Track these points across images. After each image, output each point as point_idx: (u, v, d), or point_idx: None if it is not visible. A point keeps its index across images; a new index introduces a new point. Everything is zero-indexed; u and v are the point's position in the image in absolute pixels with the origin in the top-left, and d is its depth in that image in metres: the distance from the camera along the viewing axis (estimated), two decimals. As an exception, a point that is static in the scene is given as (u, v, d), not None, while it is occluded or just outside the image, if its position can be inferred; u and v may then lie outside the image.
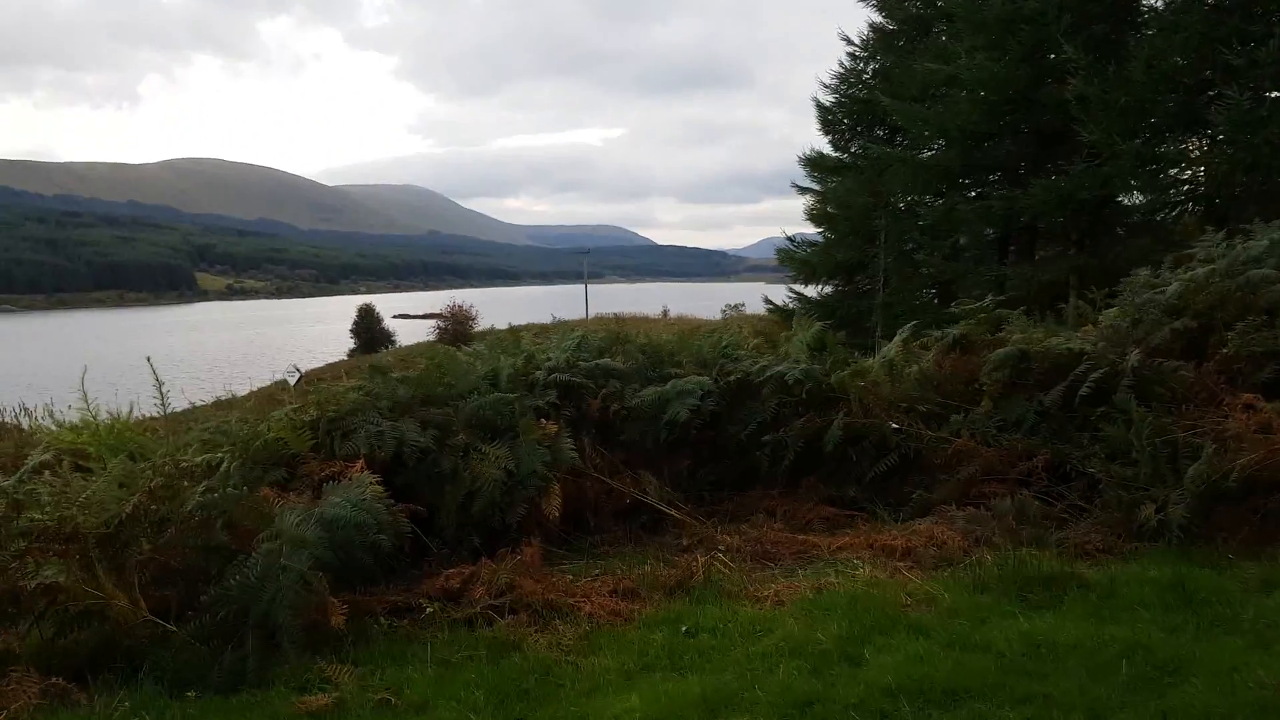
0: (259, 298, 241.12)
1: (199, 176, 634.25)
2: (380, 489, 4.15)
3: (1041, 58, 17.89)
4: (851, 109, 27.02)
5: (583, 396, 5.98)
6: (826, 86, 26.95)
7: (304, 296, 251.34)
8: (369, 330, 59.39)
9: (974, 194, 20.49)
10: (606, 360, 6.11)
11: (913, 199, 24.20)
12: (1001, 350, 5.81)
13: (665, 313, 60.86)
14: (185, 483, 4.32)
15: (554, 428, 5.50)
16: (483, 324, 55.20)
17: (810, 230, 28.75)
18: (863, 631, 3.79)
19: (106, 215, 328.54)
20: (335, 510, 3.99)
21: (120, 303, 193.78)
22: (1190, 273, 6.18)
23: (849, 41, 26.71)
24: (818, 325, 6.56)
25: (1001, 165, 19.18)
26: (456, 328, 53.19)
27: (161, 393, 6.52)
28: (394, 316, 64.14)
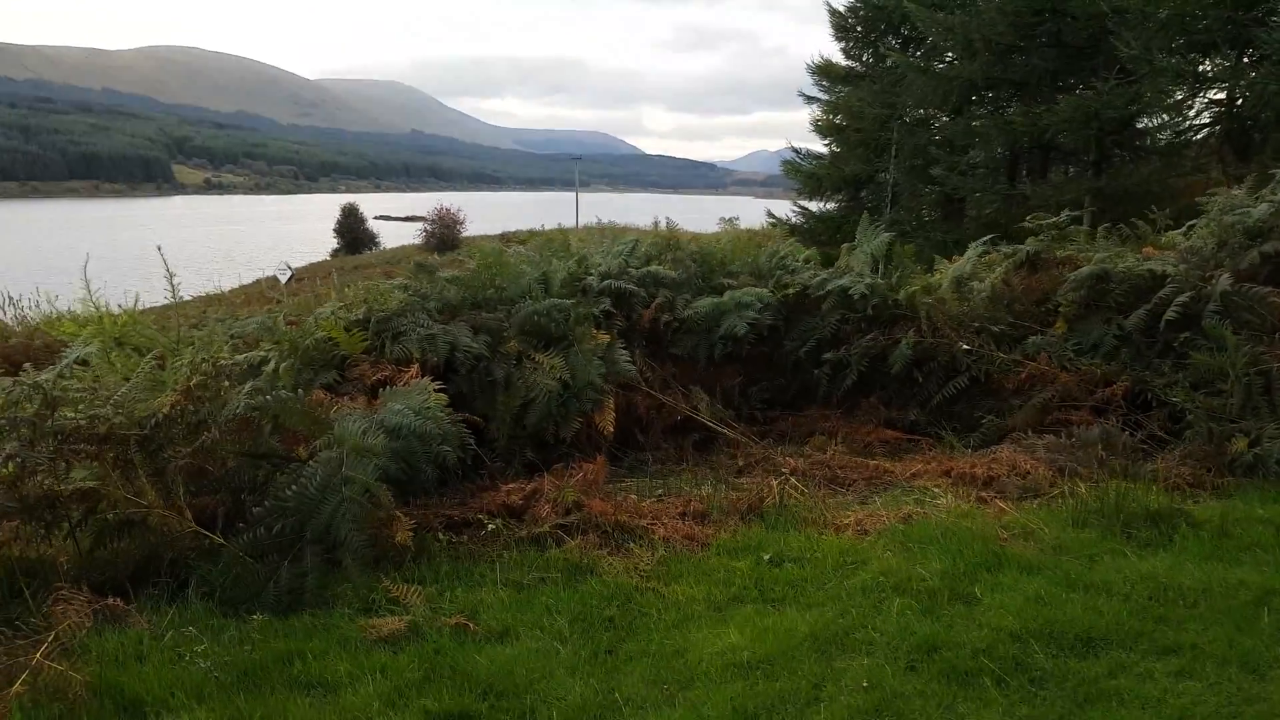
0: (237, 193, 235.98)
1: (176, 66, 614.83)
2: (443, 396, 3.80)
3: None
4: (866, 14, 26.01)
5: (633, 306, 5.62)
6: (842, -13, 25.82)
7: (283, 193, 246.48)
8: (352, 231, 58.05)
9: (994, 109, 19.90)
10: (658, 267, 5.72)
11: (927, 112, 23.52)
12: (1084, 269, 5.46)
13: (656, 224, 59.92)
14: (225, 383, 3.96)
15: (606, 338, 5.16)
16: (470, 230, 54.14)
17: (807, 143, 27.98)
18: (967, 568, 3.53)
19: (81, 103, 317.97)
20: (397, 418, 3.65)
21: (96, 193, 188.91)
22: (1278, 194, 5.82)
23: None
24: (885, 235, 6.15)
25: (1024, 79, 18.50)
26: (443, 232, 52.13)
27: (172, 284, 6.11)
28: (376, 218, 62.63)
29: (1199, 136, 17.89)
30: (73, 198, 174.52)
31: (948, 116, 21.64)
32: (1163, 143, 19.19)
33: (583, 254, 5.65)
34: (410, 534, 3.53)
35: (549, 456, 4.82)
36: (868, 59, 26.38)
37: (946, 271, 5.80)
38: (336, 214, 58.52)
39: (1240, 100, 15.88)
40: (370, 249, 57.71)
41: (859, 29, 26.08)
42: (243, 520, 3.63)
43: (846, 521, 4.14)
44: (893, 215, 23.38)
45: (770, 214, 28.36)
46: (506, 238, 53.76)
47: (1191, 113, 18.68)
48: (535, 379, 4.69)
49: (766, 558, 3.75)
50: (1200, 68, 13.35)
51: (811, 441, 5.33)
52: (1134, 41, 12.92)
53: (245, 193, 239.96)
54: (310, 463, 3.51)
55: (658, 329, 5.63)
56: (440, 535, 3.93)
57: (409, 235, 63.01)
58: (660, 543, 3.87)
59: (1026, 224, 6.14)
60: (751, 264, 6.11)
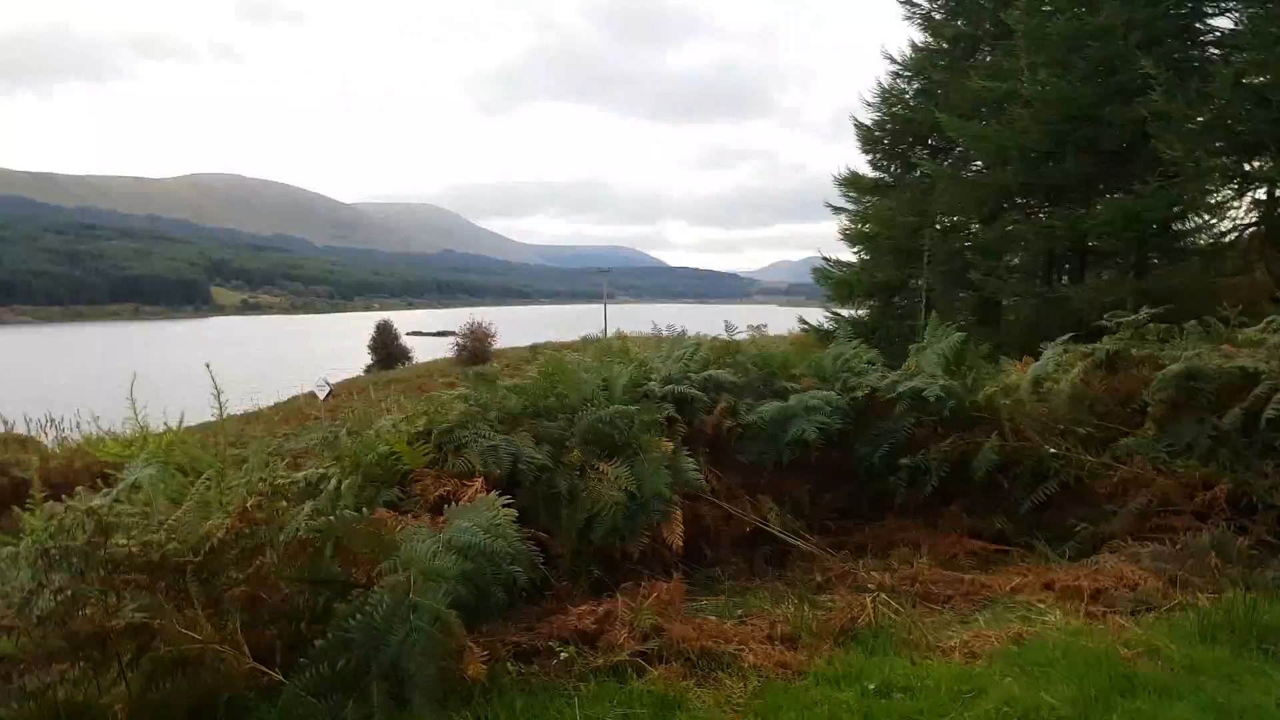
0: (274, 313, 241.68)
1: (217, 192, 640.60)
2: (512, 511, 3.55)
3: (1109, 75, 17.33)
4: (894, 128, 26.53)
5: (695, 411, 5.40)
6: (869, 105, 26.47)
7: (319, 313, 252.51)
8: (386, 346, 58.93)
9: (1032, 214, 19.91)
10: (719, 371, 5.52)
11: (958, 219, 23.63)
12: (1173, 367, 5.19)
13: (683, 332, 60.05)
14: (283, 503, 3.75)
15: (669, 445, 4.92)
16: (500, 343, 54.68)
17: (835, 252, 28.10)
18: (1098, 693, 3.17)
19: (124, 228, 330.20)
20: (466, 536, 3.40)
21: (135, 316, 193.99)
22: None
23: (891, 60, 26.23)
24: (956, 334, 5.94)
25: (1061, 184, 18.54)
26: (475, 345, 52.72)
27: (220, 401, 6.02)
28: (409, 333, 63.32)
29: (1246, 234, 17.72)
30: (113, 320, 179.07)
31: (980, 223, 21.70)
32: (1201, 244, 19.08)
33: (643, 359, 5.47)
34: (484, 666, 3.24)
35: (615, 574, 4.53)
36: (895, 169, 26.81)
37: (1025, 372, 5.54)
38: (370, 331, 59.35)
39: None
40: (403, 364, 58.42)
41: (886, 141, 26.57)
42: (303, 654, 3.37)
43: (951, 644, 3.79)
44: (931, 320, 23.19)
45: (803, 320, 28.35)
46: (537, 349, 54.11)
47: (1238, 212, 18.59)
48: (600, 490, 4.45)
49: (872, 687, 3.40)
50: (1246, 168, 13.17)
51: (894, 554, 5.00)
52: (1177, 144, 12.87)
53: (281, 312, 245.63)
54: (375, 589, 3.25)
55: (721, 435, 5.39)
56: (510, 665, 3.63)
57: (441, 349, 63.64)
58: (751, 671, 3.54)
59: (1104, 322, 5.91)
60: (815, 366, 5.89)
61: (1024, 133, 17.71)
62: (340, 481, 3.67)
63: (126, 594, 3.25)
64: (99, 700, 3.02)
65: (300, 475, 3.80)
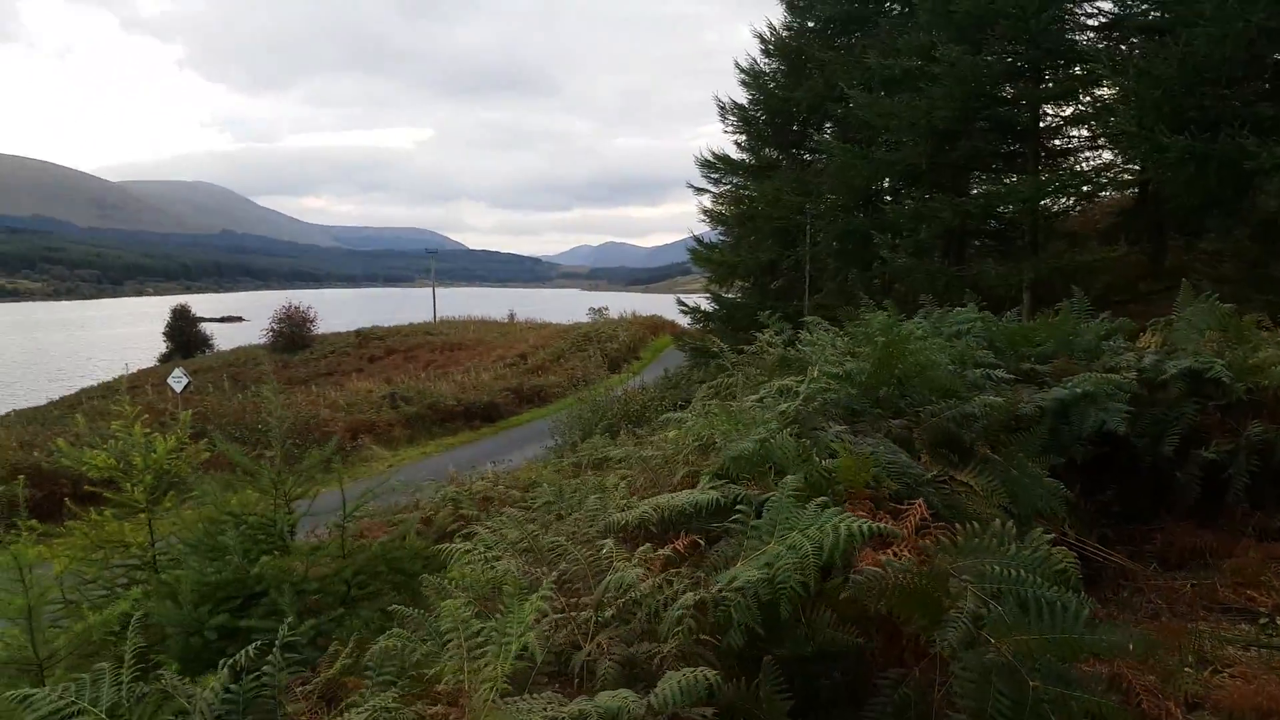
0: (34, 299, 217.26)
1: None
2: (1069, 553, 2.42)
3: (1014, 52, 17.59)
4: (761, 110, 26.29)
5: (967, 401, 4.37)
6: (744, 84, 26.10)
7: (85, 298, 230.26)
8: (184, 333, 53.86)
9: (929, 193, 20.11)
10: (985, 353, 4.53)
11: (841, 199, 23.72)
12: None
13: (512, 316, 58.22)
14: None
15: (985, 449, 3.89)
16: (322, 327, 50.85)
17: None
18: None
19: None
20: (1028, 589, 2.25)
21: None
22: None
23: (762, 40, 25.96)
24: (1219, 305, 5.20)
25: (969, 160, 18.79)
26: (293, 331, 48.86)
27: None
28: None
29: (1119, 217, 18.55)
30: None
31: (875, 202, 21.79)
32: (1064, 225, 19.98)
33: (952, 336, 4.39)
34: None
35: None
36: (769, 151, 26.63)
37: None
38: (149, 317, 53.47)
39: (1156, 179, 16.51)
40: (203, 351, 53.51)
41: (762, 120, 26.28)
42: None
43: None
44: (820, 300, 23.23)
45: (681, 302, 27.71)
46: (364, 334, 50.83)
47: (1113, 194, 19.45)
48: (969, 508, 3.36)
49: None
50: (1212, 147, 13.17)
51: (1222, 565, 4.20)
52: (1128, 120, 12.99)
53: (43, 298, 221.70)
54: (959, 669, 2.05)
55: (994, 429, 4.40)
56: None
57: (245, 335, 58.63)
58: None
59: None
60: (1067, 343, 4.99)
61: (933, 109, 17.74)
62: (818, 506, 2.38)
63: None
64: None
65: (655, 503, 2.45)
